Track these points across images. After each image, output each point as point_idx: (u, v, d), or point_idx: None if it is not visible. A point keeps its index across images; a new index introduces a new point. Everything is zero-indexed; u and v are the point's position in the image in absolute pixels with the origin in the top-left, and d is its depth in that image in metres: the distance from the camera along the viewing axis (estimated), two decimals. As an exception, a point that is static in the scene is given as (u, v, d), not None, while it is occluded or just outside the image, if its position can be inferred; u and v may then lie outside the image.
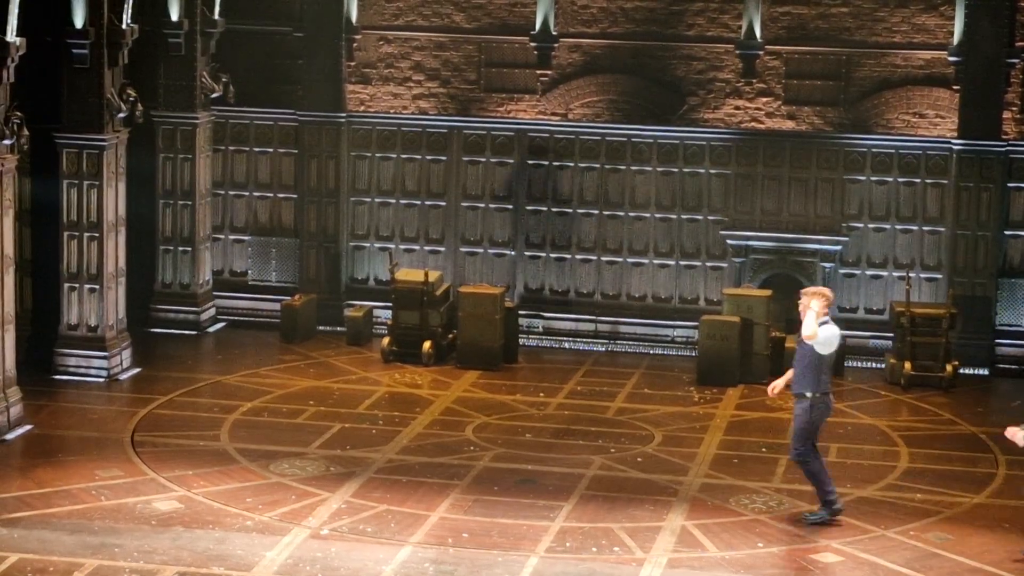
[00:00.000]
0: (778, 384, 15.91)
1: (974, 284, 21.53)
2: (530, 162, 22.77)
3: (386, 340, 21.33)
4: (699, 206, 22.48)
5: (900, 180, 22.08)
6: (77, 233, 19.74)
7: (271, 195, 23.32)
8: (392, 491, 15.93)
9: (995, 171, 21.59)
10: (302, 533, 14.71)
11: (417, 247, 23.07)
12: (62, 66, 19.37)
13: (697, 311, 21.81)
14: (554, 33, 22.96)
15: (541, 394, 19.95)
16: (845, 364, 21.17)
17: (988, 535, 15.12)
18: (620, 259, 22.71)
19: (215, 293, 23.05)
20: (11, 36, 16.95)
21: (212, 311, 22.87)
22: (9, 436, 17.16)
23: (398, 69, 23.46)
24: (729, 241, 22.24)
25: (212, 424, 17.87)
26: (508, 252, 22.89)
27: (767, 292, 21.14)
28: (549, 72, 23.14)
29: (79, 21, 19.23)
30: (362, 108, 23.44)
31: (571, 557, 14.36)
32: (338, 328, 22.44)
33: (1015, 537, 15.03)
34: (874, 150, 22.14)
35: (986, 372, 21.46)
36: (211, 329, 22.65)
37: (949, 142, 21.82)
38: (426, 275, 21.35)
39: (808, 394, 15.39)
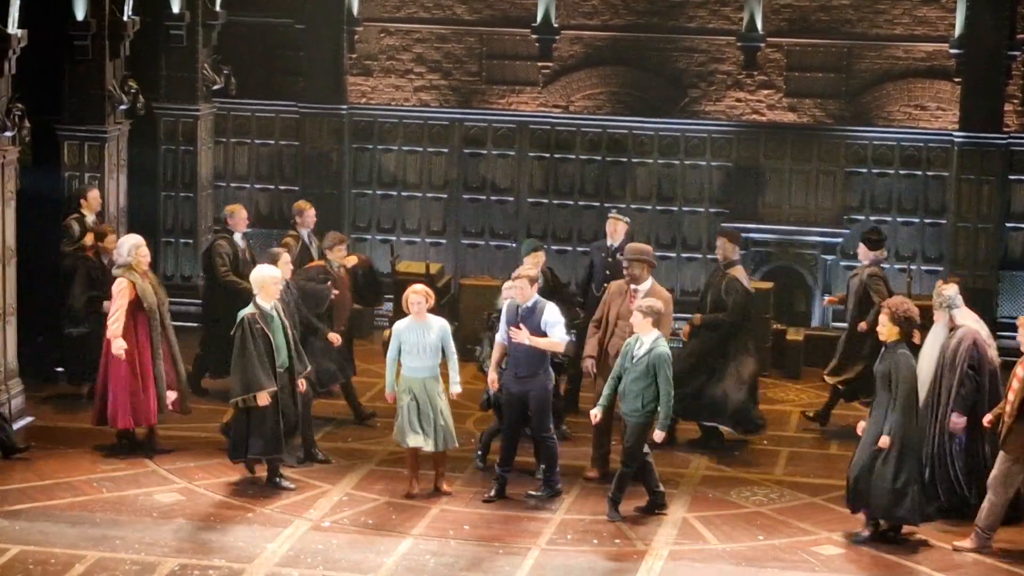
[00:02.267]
0: None
1: (975, 277, 21.50)
2: (531, 154, 22.79)
3: (387, 332, 21.28)
4: (700, 198, 22.49)
5: (901, 172, 22.09)
6: (78, 225, 19.75)
7: (272, 187, 23.33)
8: (393, 483, 15.94)
9: (996, 163, 21.59)
10: (303, 525, 14.72)
11: (418, 239, 23.08)
12: (64, 58, 19.37)
13: (696, 304, 21.78)
14: (555, 25, 22.97)
15: (542, 386, 19.93)
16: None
17: (989, 527, 15.13)
18: (621, 251, 22.73)
19: (216, 285, 23.05)
20: (13, 28, 16.95)
21: (213, 303, 22.88)
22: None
23: (399, 61, 23.46)
24: (730, 233, 22.23)
25: (214, 416, 17.83)
26: (509, 244, 22.89)
27: (768, 284, 21.13)
28: (550, 64, 23.15)
29: (80, 13, 19.22)
30: (363, 100, 23.44)
31: (572, 549, 14.38)
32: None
33: (1015, 528, 15.04)
34: (875, 142, 22.14)
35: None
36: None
37: (950, 134, 21.82)
38: (427, 267, 21.36)
39: (541, 372, 15.43)
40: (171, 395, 16.61)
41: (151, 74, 21.65)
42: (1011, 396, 14.33)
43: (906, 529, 14.74)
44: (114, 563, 13.65)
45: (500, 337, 15.77)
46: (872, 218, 22.07)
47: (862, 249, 18.20)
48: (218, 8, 22.42)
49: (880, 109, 22.56)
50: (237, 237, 18.78)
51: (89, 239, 18.28)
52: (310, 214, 19.21)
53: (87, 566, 13.56)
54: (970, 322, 15.40)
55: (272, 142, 23.27)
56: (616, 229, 18.69)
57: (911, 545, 14.63)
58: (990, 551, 14.45)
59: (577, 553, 14.29)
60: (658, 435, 15.03)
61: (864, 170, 22.17)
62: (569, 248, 22.75)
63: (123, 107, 19.81)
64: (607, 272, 18.24)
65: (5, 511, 14.79)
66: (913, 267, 21.51)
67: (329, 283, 17.65)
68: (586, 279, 18.57)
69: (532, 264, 16.94)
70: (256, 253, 18.84)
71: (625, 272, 16.40)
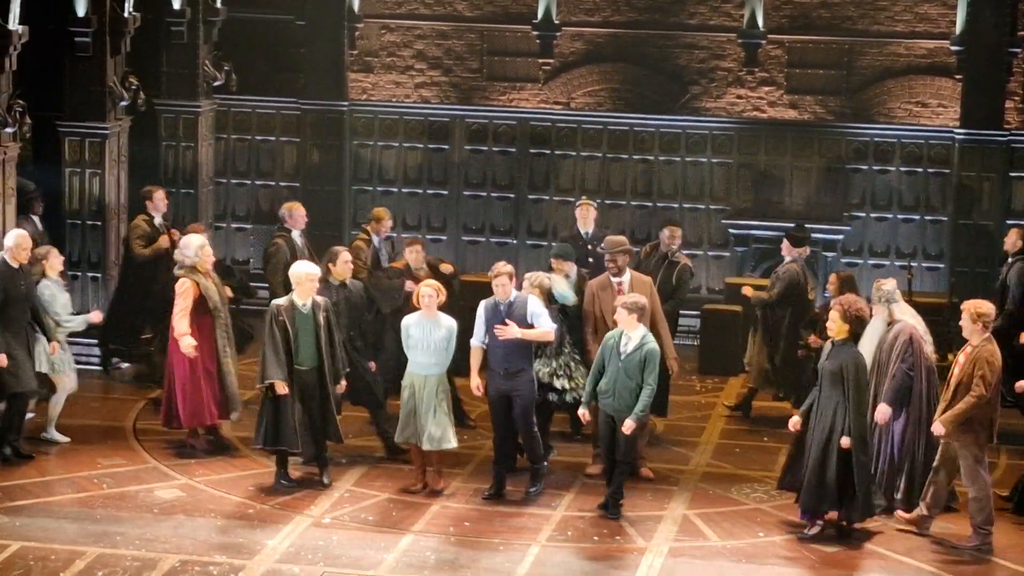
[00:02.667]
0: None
1: (976, 274, 21.51)
2: (532, 151, 22.79)
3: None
4: (701, 195, 22.49)
5: (902, 169, 22.08)
6: (79, 221, 19.76)
7: (273, 183, 23.33)
8: (394, 480, 15.94)
9: (997, 161, 21.58)
10: (304, 522, 14.73)
11: (419, 235, 23.06)
12: (64, 54, 19.37)
13: (699, 300, 21.79)
14: (556, 21, 22.97)
15: (543, 383, 19.92)
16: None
17: (989, 524, 15.13)
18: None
19: (217, 281, 23.06)
20: (13, 24, 16.96)
21: (214, 299, 22.89)
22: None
23: (400, 58, 23.46)
24: (731, 230, 22.24)
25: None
26: (510, 241, 22.90)
27: (769, 282, 21.11)
28: (551, 61, 23.16)
29: (81, 9, 19.23)
30: (364, 97, 23.44)
31: (573, 546, 14.38)
32: (340, 316, 22.43)
33: (1016, 527, 15.06)
34: (876, 139, 22.14)
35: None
36: (213, 317, 22.66)
37: (951, 131, 21.82)
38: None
39: (527, 367, 15.44)
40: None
41: (152, 70, 21.65)
42: (952, 381, 14.38)
43: (912, 521, 14.77)
44: (114, 559, 13.65)
45: (477, 340, 15.69)
46: (873, 215, 22.09)
47: (785, 245, 18.57)
48: (219, 4, 22.41)
49: (881, 106, 22.56)
50: (295, 235, 18.65)
51: (164, 241, 18.51)
52: (387, 224, 18.98)
53: (87, 562, 13.56)
54: (908, 317, 15.46)
55: (273, 138, 23.26)
56: (587, 215, 18.76)
57: (911, 543, 14.63)
58: (990, 548, 14.45)
59: (577, 550, 14.29)
60: (628, 425, 14.83)
61: (865, 167, 22.16)
62: (570, 245, 22.74)
63: (124, 103, 19.82)
64: (590, 260, 18.25)
65: (6, 507, 14.79)
66: (914, 264, 21.50)
67: (404, 278, 17.57)
68: None
69: (556, 268, 16.98)
70: (313, 250, 18.73)
71: (608, 265, 16.35)
